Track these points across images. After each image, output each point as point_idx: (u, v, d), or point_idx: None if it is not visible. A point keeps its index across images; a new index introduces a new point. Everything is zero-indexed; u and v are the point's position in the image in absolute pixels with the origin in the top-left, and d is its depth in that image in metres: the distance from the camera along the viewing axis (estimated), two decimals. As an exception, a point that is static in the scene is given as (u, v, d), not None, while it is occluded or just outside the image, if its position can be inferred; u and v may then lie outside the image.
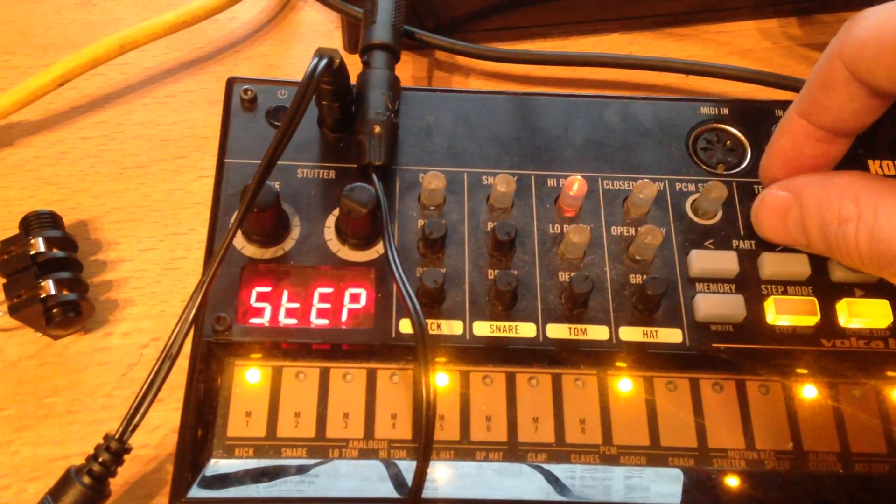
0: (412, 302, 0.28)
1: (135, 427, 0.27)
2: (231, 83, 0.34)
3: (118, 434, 0.27)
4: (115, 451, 0.27)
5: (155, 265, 0.35)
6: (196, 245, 0.36)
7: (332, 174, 0.33)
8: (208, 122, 0.39)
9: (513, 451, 0.29)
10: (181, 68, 0.41)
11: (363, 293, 0.31)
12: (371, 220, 0.30)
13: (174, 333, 0.27)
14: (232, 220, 0.29)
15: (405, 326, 0.30)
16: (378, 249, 0.31)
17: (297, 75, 0.32)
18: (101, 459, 0.26)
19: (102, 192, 0.37)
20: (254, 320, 0.30)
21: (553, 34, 0.43)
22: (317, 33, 0.43)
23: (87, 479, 0.26)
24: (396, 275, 0.29)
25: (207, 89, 0.40)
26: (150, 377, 0.27)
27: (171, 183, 0.37)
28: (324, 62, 0.29)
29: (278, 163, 0.30)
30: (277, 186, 0.32)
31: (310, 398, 0.30)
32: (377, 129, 0.31)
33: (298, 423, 0.29)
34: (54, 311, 0.31)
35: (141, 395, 0.27)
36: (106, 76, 0.39)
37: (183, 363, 0.29)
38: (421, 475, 0.27)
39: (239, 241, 0.31)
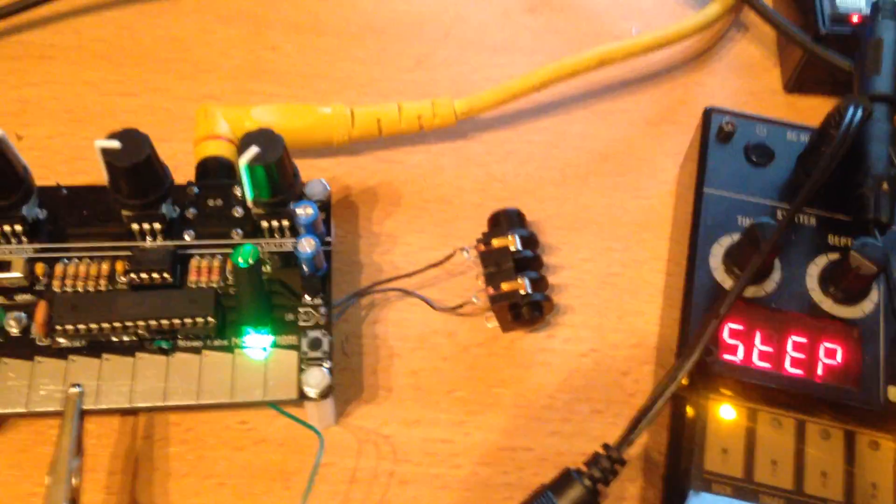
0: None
1: (631, 442, 0.28)
2: (709, 113, 0.35)
3: (617, 446, 0.27)
4: (614, 460, 0.27)
5: (592, 277, 0.36)
6: (631, 263, 0.36)
7: (813, 221, 0.32)
8: (645, 143, 0.39)
9: None
10: (619, 86, 0.41)
11: (841, 350, 0.30)
12: (866, 279, 0.30)
13: (684, 363, 0.28)
14: (750, 265, 0.29)
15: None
16: (863, 308, 0.30)
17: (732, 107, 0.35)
18: (601, 466, 0.27)
19: (545, 196, 0.38)
20: (727, 356, 0.30)
21: None
22: (753, 68, 0.42)
23: (588, 483, 0.27)
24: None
25: (643, 110, 0.40)
26: (654, 399, 0.28)
27: (608, 198, 0.38)
28: (860, 114, 0.29)
29: (757, 201, 0.32)
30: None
31: (786, 448, 0.29)
32: (885, 185, 0.30)
33: (775, 472, 0.29)
34: (524, 308, 0.33)
35: (642, 414, 0.27)
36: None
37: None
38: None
39: (720, 274, 0.31)
